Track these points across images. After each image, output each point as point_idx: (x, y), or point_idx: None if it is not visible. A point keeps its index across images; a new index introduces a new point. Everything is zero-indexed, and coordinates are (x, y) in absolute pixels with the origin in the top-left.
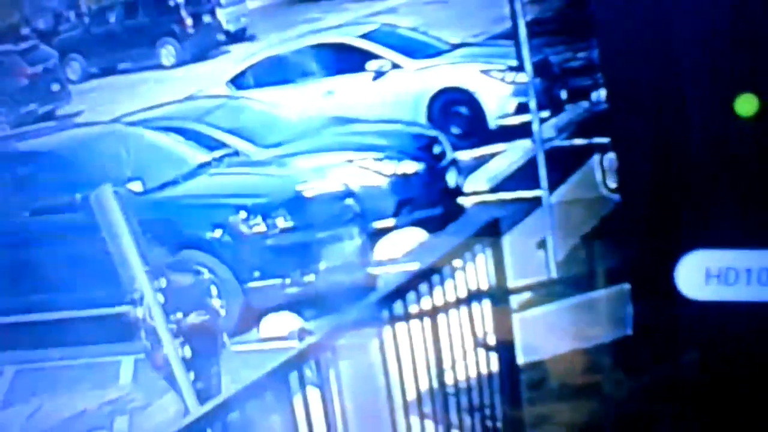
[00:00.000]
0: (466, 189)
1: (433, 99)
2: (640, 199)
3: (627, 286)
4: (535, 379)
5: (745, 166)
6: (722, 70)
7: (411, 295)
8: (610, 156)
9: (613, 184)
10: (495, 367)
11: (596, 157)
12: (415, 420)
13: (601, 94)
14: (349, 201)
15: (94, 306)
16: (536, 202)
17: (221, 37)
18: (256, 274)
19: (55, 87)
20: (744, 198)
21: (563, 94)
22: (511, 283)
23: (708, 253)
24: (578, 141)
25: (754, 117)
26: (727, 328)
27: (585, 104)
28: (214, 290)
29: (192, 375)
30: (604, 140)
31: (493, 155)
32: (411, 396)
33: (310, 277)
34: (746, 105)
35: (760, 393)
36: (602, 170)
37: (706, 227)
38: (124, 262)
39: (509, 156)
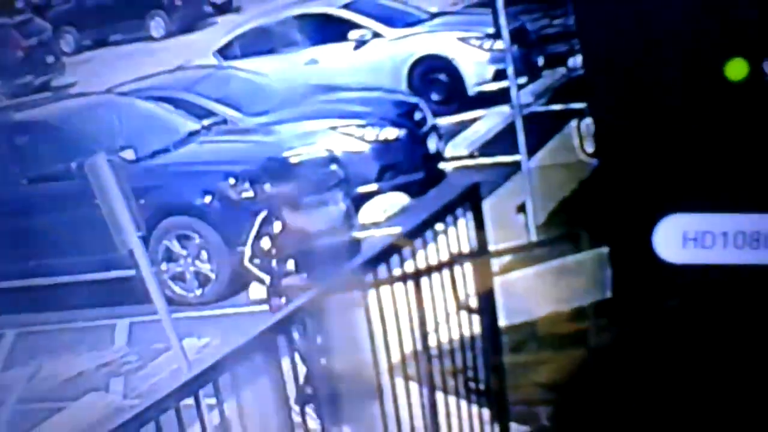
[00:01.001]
0: (446, 154)
1: (413, 66)
2: (617, 164)
3: (605, 249)
4: (516, 341)
5: (723, 131)
6: (706, 34)
7: (394, 259)
8: (588, 121)
9: (590, 149)
10: (477, 329)
11: (574, 123)
12: (400, 382)
13: (578, 60)
14: (334, 167)
15: (90, 270)
16: (515, 166)
17: (208, 8)
18: (245, 238)
19: (50, 59)
20: (722, 162)
21: (540, 61)
22: (492, 246)
23: (685, 217)
24: (556, 106)
25: (744, 81)
26: (704, 292)
27: (562, 70)
28: (204, 255)
29: None
30: (581, 105)
31: (472, 121)
32: (396, 358)
33: None
34: (736, 70)
35: (736, 355)
36: (580, 135)
37: (683, 191)
38: (118, 226)
39: (488, 122)
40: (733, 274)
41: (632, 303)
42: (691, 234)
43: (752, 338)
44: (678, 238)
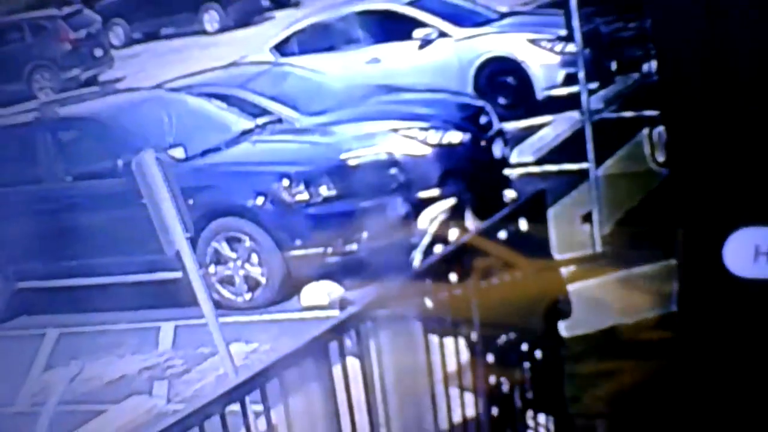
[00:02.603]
0: (511, 160)
1: (480, 68)
2: (689, 174)
3: (673, 261)
4: (577, 353)
5: None
6: None
7: (454, 267)
8: (660, 129)
9: (661, 158)
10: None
11: (645, 131)
12: (455, 392)
13: (652, 65)
14: (393, 170)
15: (135, 272)
16: (582, 175)
17: (265, 2)
18: (298, 242)
19: (98, 52)
20: None
21: (613, 65)
22: (556, 256)
23: (758, 230)
24: (627, 113)
25: None
26: None
27: (635, 76)
28: (255, 258)
29: None
30: (654, 113)
31: (540, 126)
32: (451, 368)
33: (352, 246)
34: None
35: None
36: (651, 144)
37: (757, 203)
38: (165, 227)
39: (556, 127)
40: None
41: (699, 318)
42: (764, 248)
43: None
44: (750, 252)
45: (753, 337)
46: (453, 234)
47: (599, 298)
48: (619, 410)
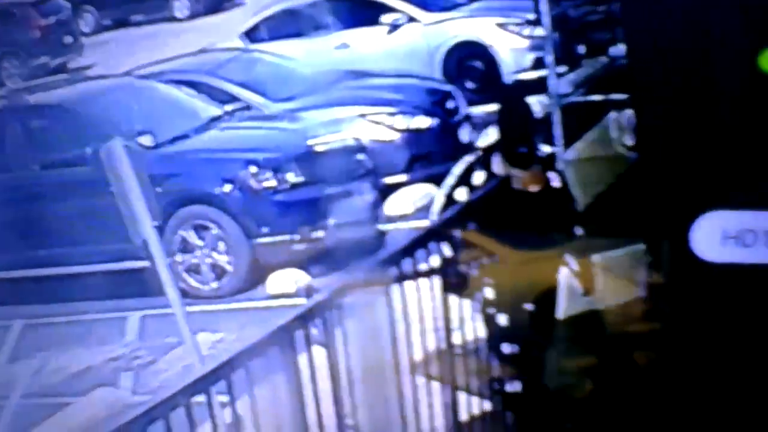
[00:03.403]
0: (479, 145)
1: (449, 53)
2: (657, 158)
3: (641, 246)
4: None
5: (765, 125)
6: (748, 24)
7: (420, 253)
8: (628, 113)
9: (630, 142)
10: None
11: (613, 114)
12: (421, 381)
13: (620, 49)
14: (361, 156)
15: (102, 261)
16: (551, 159)
17: None
18: (265, 229)
19: (68, 39)
20: (764, 157)
21: (581, 49)
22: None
23: (725, 214)
24: (595, 97)
25: None
26: (744, 292)
27: (603, 59)
28: (222, 246)
29: None
30: (622, 97)
31: None
32: (418, 356)
33: (319, 234)
34: None
35: None
36: (619, 127)
37: (724, 187)
38: (133, 216)
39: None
40: None
41: (668, 302)
42: (732, 232)
43: None
44: (717, 236)
45: (720, 320)
46: (478, 178)
47: (569, 284)
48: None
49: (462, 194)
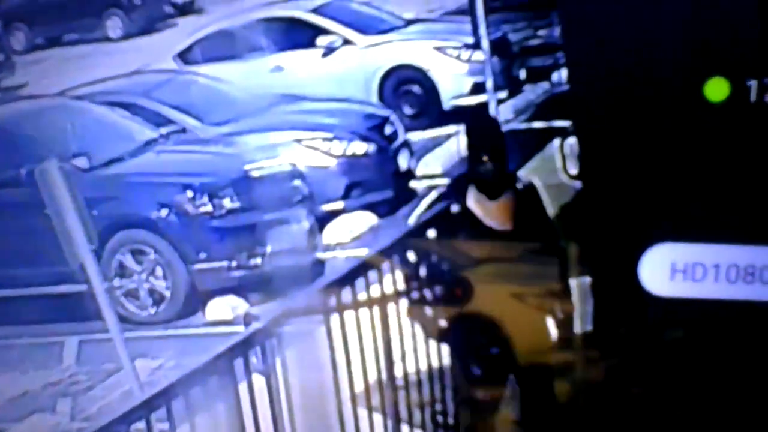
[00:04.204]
0: (418, 172)
1: (385, 77)
2: (602, 188)
3: (588, 279)
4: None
5: (714, 155)
6: (693, 53)
7: (360, 283)
8: (571, 141)
9: (573, 171)
10: (446, 359)
11: (556, 142)
12: (363, 413)
13: (563, 74)
14: (297, 182)
15: (39, 284)
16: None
17: (169, 9)
18: (202, 255)
19: None
20: (713, 189)
21: (522, 74)
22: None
23: (674, 247)
24: (537, 124)
25: (725, 102)
26: (693, 327)
27: (545, 85)
28: (159, 271)
29: None
30: (565, 124)
31: (447, 137)
32: (359, 388)
33: (257, 261)
34: (716, 89)
35: (726, 393)
36: (562, 155)
37: (673, 219)
38: (69, 239)
39: (464, 138)
40: (724, 310)
41: (615, 337)
42: (680, 265)
43: (744, 380)
44: (666, 270)
45: (670, 357)
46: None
47: None
48: None
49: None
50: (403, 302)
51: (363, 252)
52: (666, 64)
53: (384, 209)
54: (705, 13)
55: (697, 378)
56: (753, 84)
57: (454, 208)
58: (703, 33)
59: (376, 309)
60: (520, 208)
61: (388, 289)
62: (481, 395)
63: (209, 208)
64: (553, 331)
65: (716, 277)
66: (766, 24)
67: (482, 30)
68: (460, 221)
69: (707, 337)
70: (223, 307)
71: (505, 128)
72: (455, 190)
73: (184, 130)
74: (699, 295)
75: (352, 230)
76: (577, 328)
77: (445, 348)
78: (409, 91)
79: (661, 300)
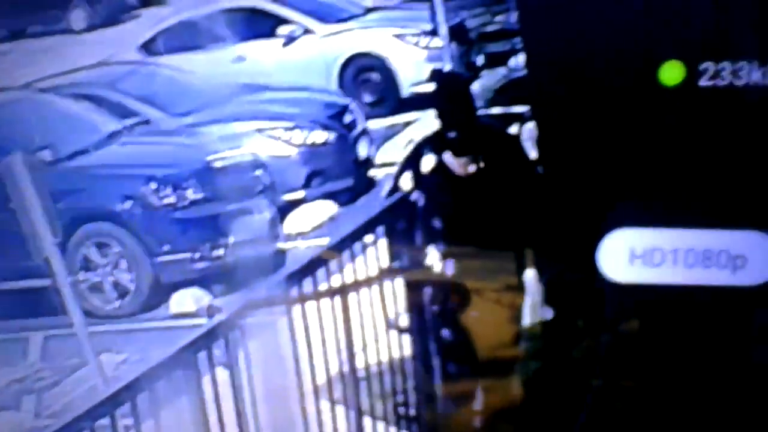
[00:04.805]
0: (377, 160)
1: (345, 65)
2: (560, 173)
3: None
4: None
5: (670, 140)
6: (648, 38)
7: (321, 273)
8: (530, 126)
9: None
10: (408, 350)
11: (515, 127)
12: (325, 405)
13: (520, 59)
14: (259, 172)
15: (3, 279)
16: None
17: (132, 0)
18: (166, 247)
19: None
20: (670, 174)
21: (480, 60)
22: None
23: (632, 232)
24: (495, 110)
25: (680, 86)
26: (652, 312)
27: (503, 71)
28: (124, 264)
29: None
30: (523, 109)
31: (406, 124)
32: (321, 379)
33: (220, 252)
34: (671, 73)
35: (684, 380)
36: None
37: (631, 204)
38: (33, 233)
39: (423, 125)
40: (683, 295)
41: (574, 324)
42: (639, 251)
43: (702, 364)
44: (625, 255)
45: (629, 343)
46: (426, 162)
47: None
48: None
49: (407, 181)
50: (365, 293)
51: (324, 241)
52: (621, 49)
53: (344, 198)
54: None
55: (656, 363)
56: (707, 67)
57: (429, 162)
58: (658, 16)
59: (336, 299)
60: (496, 157)
61: (349, 279)
62: (442, 389)
63: (173, 199)
64: (513, 323)
65: (674, 261)
66: (719, 7)
67: (440, 17)
68: (434, 178)
69: (666, 322)
70: (187, 300)
71: None
72: (430, 146)
73: (147, 122)
74: (658, 281)
75: (312, 220)
76: (535, 318)
77: (407, 340)
78: (368, 79)
79: (620, 286)
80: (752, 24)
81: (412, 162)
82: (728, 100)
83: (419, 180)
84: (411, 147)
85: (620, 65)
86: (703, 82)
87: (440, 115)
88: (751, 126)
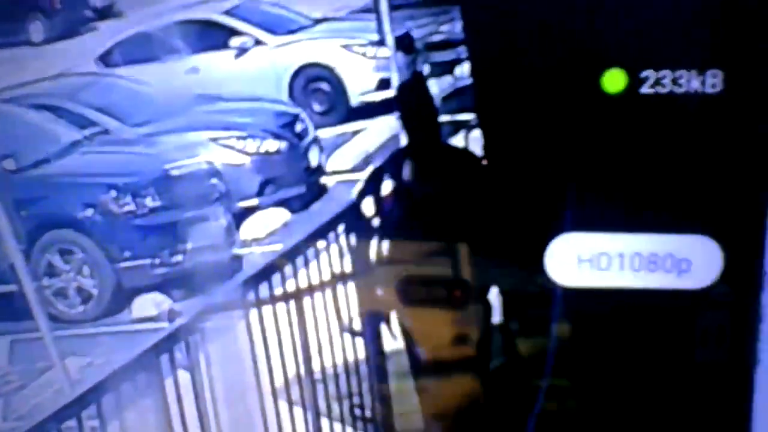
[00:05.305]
0: (328, 168)
1: (295, 75)
2: (506, 180)
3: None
4: (404, 367)
5: (613, 146)
6: (591, 44)
7: (276, 277)
8: (476, 133)
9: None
10: (361, 353)
11: (461, 134)
12: (283, 406)
13: (465, 68)
14: (214, 180)
15: None
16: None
17: (89, 13)
18: (127, 253)
19: None
20: (614, 179)
21: (426, 69)
22: None
23: (579, 237)
24: (442, 117)
25: (622, 93)
26: (600, 316)
27: (449, 79)
28: (86, 270)
29: None
30: (469, 117)
31: (355, 132)
32: (279, 381)
33: (178, 257)
34: (613, 81)
35: (631, 379)
36: None
37: (577, 209)
38: None
39: (372, 133)
40: (630, 298)
41: (522, 327)
42: (586, 255)
43: (648, 364)
44: (572, 259)
45: (578, 347)
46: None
47: None
48: (450, 426)
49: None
50: (318, 297)
51: (278, 247)
52: (565, 56)
53: (296, 205)
54: (603, 5)
55: (603, 364)
56: (648, 75)
57: (389, 185)
58: (600, 24)
59: (292, 303)
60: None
61: (303, 284)
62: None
63: (132, 207)
64: (456, 328)
65: (621, 265)
66: (661, 15)
67: (386, 27)
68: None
69: (613, 325)
70: (148, 304)
71: None
72: (391, 166)
73: (106, 132)
74: (605, 284)
75: (267, 226)
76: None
77: (360, 343)
78: (318, 88)
79: (568, 290)
80: (691, 32)
81: (371, 186)
82: (669, 106)
83: (379, 205)
84: (369, 170)
85: (564, 73)
86: (645, 89)
87: (405, 118)
88: (693, 132)
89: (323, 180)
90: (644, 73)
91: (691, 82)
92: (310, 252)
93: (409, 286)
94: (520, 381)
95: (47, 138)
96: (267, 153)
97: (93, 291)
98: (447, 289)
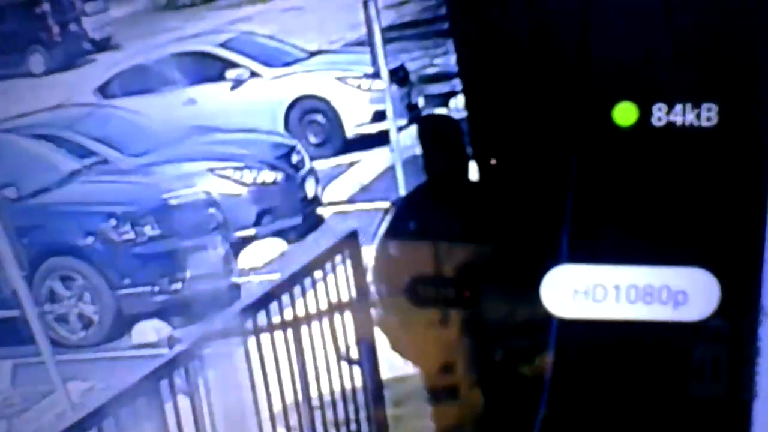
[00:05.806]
0: (324, 199)
1: (291, 107)
2: (504, 209)
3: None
4: (400, 395)
5: (620, 179)
6: (601, 77)
7: (274, 306)
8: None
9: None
10: (359, 381)
11: None
12: None
13: (459, 101)
14: (212, 210)
15: None
16: None
17: (87, 45)
18: (127, 281)
19: None
20: (613, 211)
21: (420, 101)
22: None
23: (575, 268)
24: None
25: (634, 126)
26: (595, 348)
27: (443, 111)
28: (87, 296)
29: None
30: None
31: (351, 164)
32: (277, 407)
33: (177, 285)
34: (625, 114)
35: (627, 411)
36: None
37: (574, 241)
38: (1, 266)
39: (367, 165)
40: (626, 330)
41: (518, 358)
42: (581, 287)
43: (643, 396)
44: (568, 291)
45: (573, 378)
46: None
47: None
48: None
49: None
50: (316, 325)
51: (275, 276)
52: (574, 90)
53: (293, 235)
54: (611, 37)
55: (599, 396)
56: (659, 108)
57: (411, 226)
58: (611, 57)
59: (289, 331)
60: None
61: (300, 312)
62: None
63: (132, 235)
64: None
65: (617, 297)
66: (672, 49)
67: (381, 60)
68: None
69: (609, 356)
70: (148, 330)
71: (406, 155)
72: (412, 206)
73: (106, 161)
74: (601, 316)
75: (264, 256)
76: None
77: (356, 370)
78: (313, 120)
79: (564, 321)
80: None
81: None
82: (677, 139)
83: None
84: (391, 210)
85: (573, 106)
86: (656, 122)
87: (428, 162)
88: (689, 165)
89: (319, 211)
90: (655, 106)
91: (686, 115)
92: (308, 281)
93: (419, 287)
94: (515, 412)
95: (47, 167)
96: (264, 184)
97: (94, 317)
98: (456, 289)
